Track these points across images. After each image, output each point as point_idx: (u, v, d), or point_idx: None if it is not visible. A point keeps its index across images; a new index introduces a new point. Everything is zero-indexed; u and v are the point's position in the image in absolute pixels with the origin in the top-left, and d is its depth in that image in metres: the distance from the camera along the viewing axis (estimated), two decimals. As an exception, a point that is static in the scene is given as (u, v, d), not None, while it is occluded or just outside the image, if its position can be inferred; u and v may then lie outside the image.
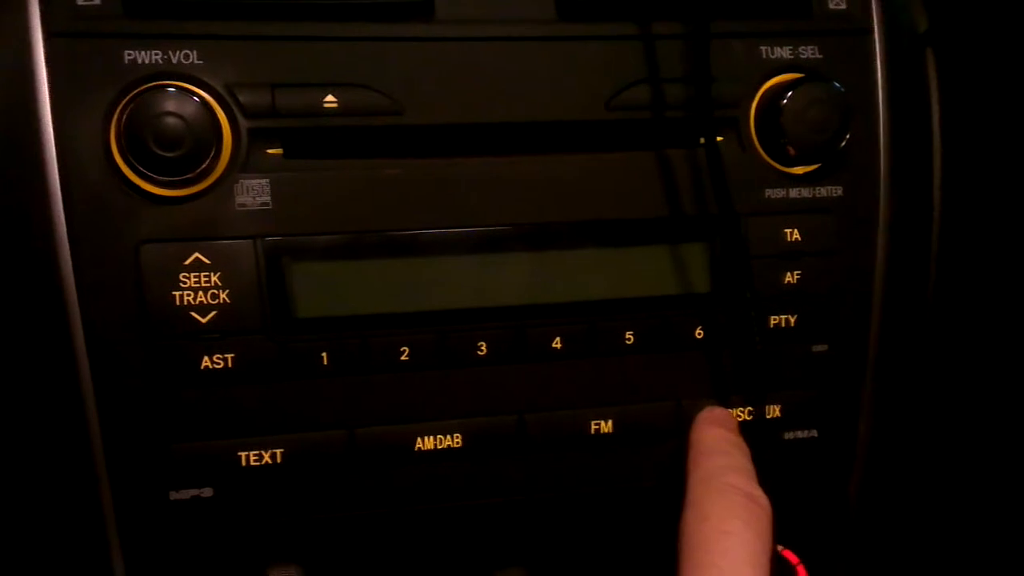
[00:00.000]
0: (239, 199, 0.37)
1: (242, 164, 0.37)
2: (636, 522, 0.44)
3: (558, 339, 0.40)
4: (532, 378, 0.41)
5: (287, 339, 0.38)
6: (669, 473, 0.42)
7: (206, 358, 0.37)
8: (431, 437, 0.40)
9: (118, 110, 0.35)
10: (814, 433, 0.44)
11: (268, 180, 0.37)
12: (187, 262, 0.37)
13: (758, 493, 0.36)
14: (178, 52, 0.36)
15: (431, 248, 0.39)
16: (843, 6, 0.43)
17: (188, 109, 0.35)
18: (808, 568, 0.41)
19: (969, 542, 0.48)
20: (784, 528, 0.41)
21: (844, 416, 0.44)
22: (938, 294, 0.46)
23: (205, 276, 0.37)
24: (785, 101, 0.40)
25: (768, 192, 0.41)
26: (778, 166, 0.41)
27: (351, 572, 0.43)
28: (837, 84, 0.40)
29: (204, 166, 0.36)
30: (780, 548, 0.41)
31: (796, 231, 0.41)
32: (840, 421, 0.44)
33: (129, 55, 0.36)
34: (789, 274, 0.42)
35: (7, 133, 0.36)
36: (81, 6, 0.36)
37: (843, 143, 0.41)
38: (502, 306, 0.40)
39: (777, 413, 0.43)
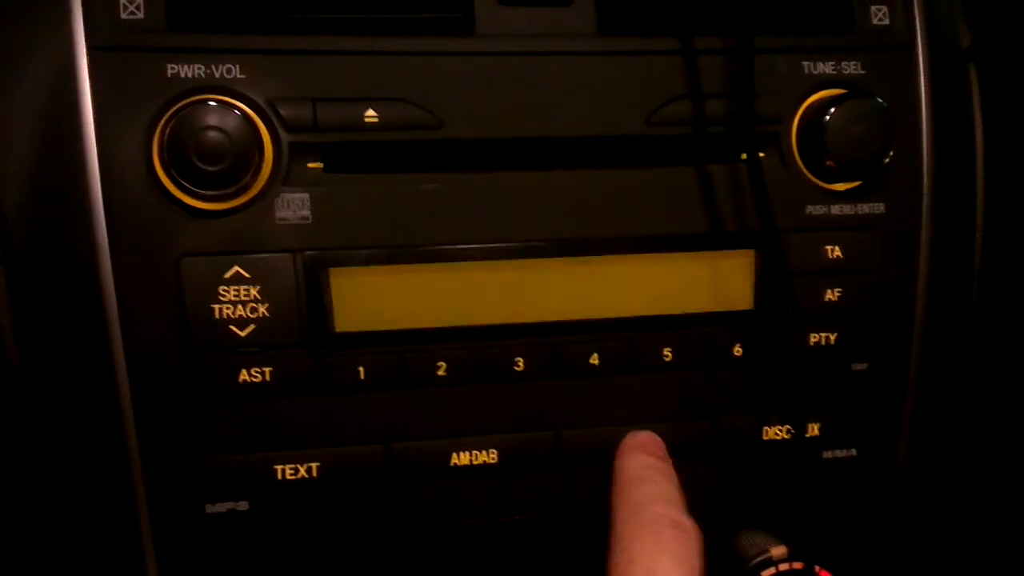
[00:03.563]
0: (279, 213, 0.37)
1: (283, 178, 0.37)
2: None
3: (596, 355, 0.40)
4: (569, 394, 0.40)
5: (325, 353, 0.38)
6: (706, 490, 0.42)
7: (244, 372, 0.37)
8: (467, 453, 0.40)
9: (161, 124, 0.36)
10: (854, 452, 0.43)
11: (308, 194, 0.37)
12: (227, 276, 0.37)
13: (685, 520, 0.35)
14: (220, 66, 0.36)
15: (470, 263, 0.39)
16: (886, 21, 0.42)
17: (230, 123, 0.35)
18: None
19: (1014, 562, 0.47)
20: (823, 548, 0.41)
21: (884, 435, 0.43)
22: (980, 312, 0.45)
23: (245, 290, 0.37)
24: (828, 117, 0.39)
25: (809, 208, 0.41)
26: (819, 182, 0.41)
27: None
28: (880, 100, 0.40)
29: (245, 180, 0.36)
30: (818, 569, 0.40)
31: (837, 248, 0.41)
32: (880, 440, 0.43)
33: (172, 69, 0.36)
34: (830, 291, 0.41)
35: (51, 146, 0.36)
36: (125, 19, 0.36)
37: (886, 160, 0.40)
38: (540, 322, 0.40)
39: (816, 432, 0.42)
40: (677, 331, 0.40)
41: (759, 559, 0.41)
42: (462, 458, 0.40)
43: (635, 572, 0.33)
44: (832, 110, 0.39)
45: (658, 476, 0.38)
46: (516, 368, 0.39)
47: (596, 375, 0.40)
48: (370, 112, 0.37)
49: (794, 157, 0.41)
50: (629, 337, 0.40)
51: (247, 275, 0.37)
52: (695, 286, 0.41)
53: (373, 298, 0.38)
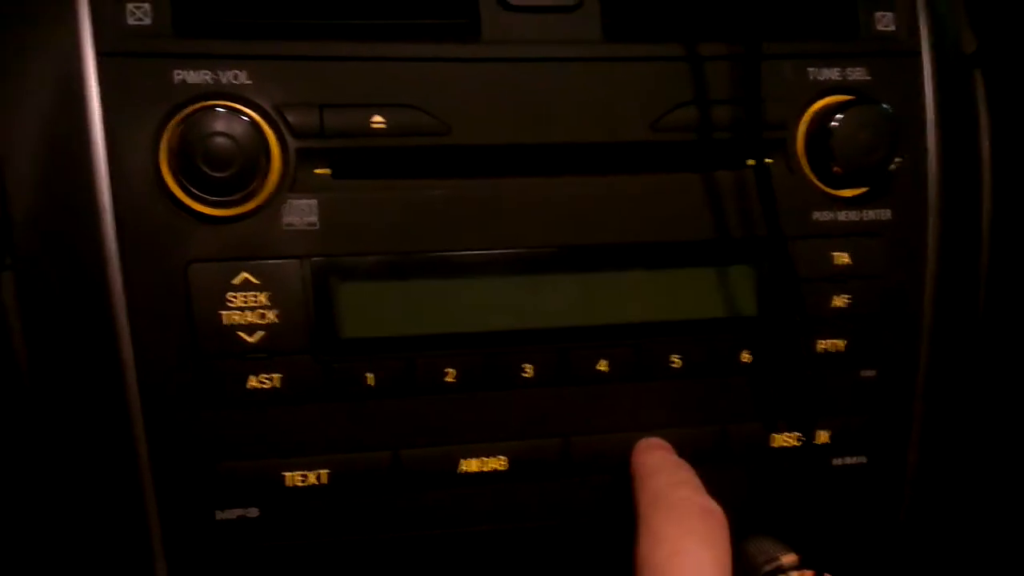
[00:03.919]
0: (287, 219, 0.37)
1: (290, 184, 0.37)
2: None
3: (604, 362, 0.40)
4: (578, 401, 0.40)
5: (333, 360, 0.38)
6: (715, 497, 0.41)
7: (252, 378, 0.37)
8: (476, 459, 0.40)
9: (168, 130, 0.36)
10: (863, 459, 0.43)
11: (316, 200, 0.37)
12: (235, 282, 0.37)
13: (710, 503, 0.35)
14: (227, 72, 0.36)
15: (477, 269, 0.39)
16: (891, 27, 0.42)
17: (237, 129, 0.35)
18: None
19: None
20: (833, 555, 0.40)
21: (894, 442, 0.43)
22: (988, 318, 0.45)
23: (253, 296, 0.37)
24: (835, 123, 0.39)
25: (816, 215, 0.41)
26: (826, 188, 0.41)
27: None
28: (886, 106, 0.40)
29: (253, 186, 0.36)
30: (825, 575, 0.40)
31: (845, 254, 0.41)
32: (890, 447, 0.43)
33: (179, 75, 0.36)
34: (837, 298, 0.41)
35: (59, 152, 0.36)
36: (132, 25, 0.36)
37: (893, 165, 0.40)
38: (548, 328, 0.39)
39: (826, 439, 0.42)
40: (685, 338, 0.40)
41: (770, 567, 0.41)
42: (471, 465, 0.40)
43: (664, 552, 0.33)
44: (838, 116, 0.39)
45: (676, 467, 0.38)
46: (524, 374, 0.39)
47: (605, 381, 0.40)
48: (377, 118, 0.38)
49: (800, 163, 0.41)
50: (637, 344, 0.40)
51: (255, 281, 0.37)
52: (702, 292, 0.41)
53: (381, 304, 0.38)
